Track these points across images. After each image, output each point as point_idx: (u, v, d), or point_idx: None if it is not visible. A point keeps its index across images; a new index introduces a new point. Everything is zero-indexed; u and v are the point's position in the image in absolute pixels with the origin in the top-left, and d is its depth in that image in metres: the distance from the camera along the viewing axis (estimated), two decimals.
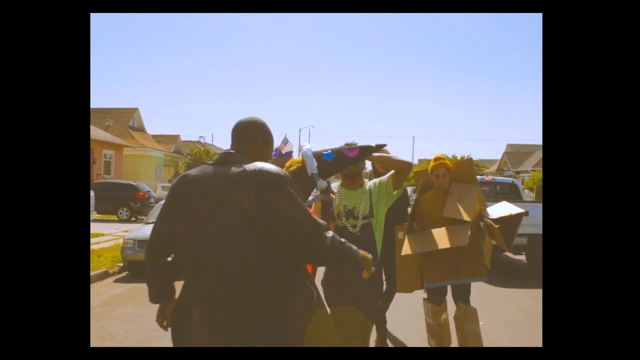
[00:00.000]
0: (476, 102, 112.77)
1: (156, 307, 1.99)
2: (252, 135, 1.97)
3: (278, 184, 1.80)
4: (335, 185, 3.08)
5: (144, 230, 8.07)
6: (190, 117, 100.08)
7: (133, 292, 6.57)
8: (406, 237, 3.56)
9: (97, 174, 23.43)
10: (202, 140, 49.15)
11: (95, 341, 4.35)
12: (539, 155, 37.75)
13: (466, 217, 3.41)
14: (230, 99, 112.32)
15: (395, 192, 3.01)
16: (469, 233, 3.35)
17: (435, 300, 3.77)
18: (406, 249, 3.47)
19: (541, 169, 32.60)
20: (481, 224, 3.55)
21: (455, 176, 3.72)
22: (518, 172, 39.12)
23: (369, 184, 3.09)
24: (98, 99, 61.29)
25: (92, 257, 8.08)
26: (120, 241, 9.03)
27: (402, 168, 2.98)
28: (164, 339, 3.99)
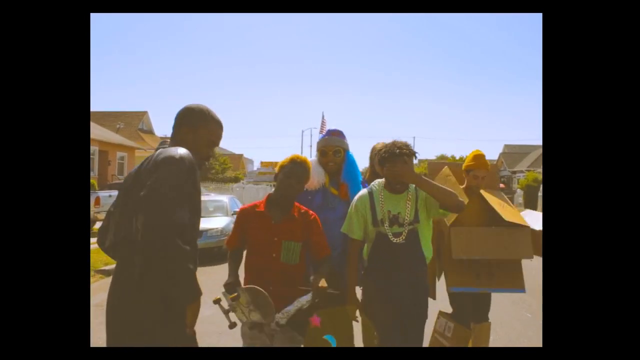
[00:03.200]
0: (476, 102, 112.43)
1: None
2: (178, 122, 1.94)
3: (165, 162, 1.69)
4: (376, 182, 2.72)
5: None
6: None
7: None
8: (452, 233, 3.00)
9: (112, 175, 23.72)
10: None
11: None
12: (534, 155, 37.79)
13: (524, 222, 2.99)
14: (231, 99, 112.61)
15: (441, 211, 2.58)
16: (532, 244, 2.93)
17: (462, 319, 3.13)
18: (458, 250, 2.92)
19: (536, 169, 32.65)
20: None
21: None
22: (514, 172, 39.16)
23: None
24: (99, 100, 61.06)
25: None
26: None
27: (449, 206, 2.51)
28: None
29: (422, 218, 2.62)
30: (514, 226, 2.98)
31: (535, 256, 3.06)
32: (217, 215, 10.34)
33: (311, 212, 2.59)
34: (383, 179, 2.68)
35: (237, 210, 2.75)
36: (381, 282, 2.58)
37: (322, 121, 2.86)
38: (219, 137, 1.98)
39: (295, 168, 2.50)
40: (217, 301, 2.24)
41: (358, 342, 3.31)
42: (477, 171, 3.17)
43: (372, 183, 2.72)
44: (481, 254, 2.94)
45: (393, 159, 2.53)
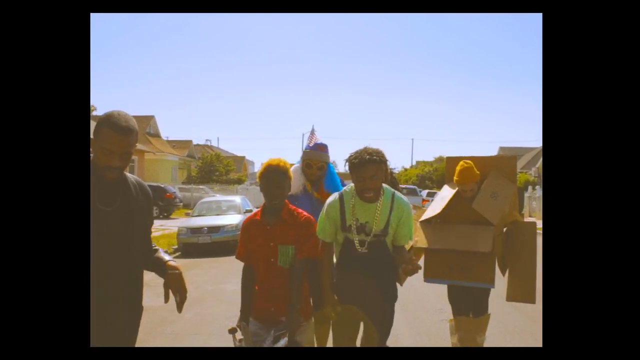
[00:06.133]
0: (475, 104, 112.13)
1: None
2: None
3: None
4: (348, 187, 2.63)
5: (192, 221, 11.15)
6: (193, 120, 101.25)
7: (185, 266, 8.65)
8: (421, 228, 3.16)
9: None
10: (209, 144, 50.88)
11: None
12: (527, 157, 39.13)
13: (492, 219, 3.02)
14: (231, 100, 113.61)
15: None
16: (492, 240, 3.00)
17: (461, 311, 3.29)
18: (422, 241, 3.09)
19: (528, 170, 33.96)
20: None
21: (497, 168, 3.27)
22: None
23: (393, 195, 2.54)
24: (101, 104, 61.01)
25: None
26: (158, 233, 12.78)
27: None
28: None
29: (391, 233, 2.53)
30: (479, 224, 3.09)
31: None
32: (231, 213, 11.70)
33: (305, 213, 2.55)
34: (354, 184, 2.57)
35: (248, 209, 3.24)
36: (346, 284, 2.57)
37: (312, 134, 3.20)
38: (113, 142, 1.72)
39: (271, 175, 2.46)
40: (232, 331, 2.42)
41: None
42: (463, 186, 3.16)
43: (344, 187, 2.66)
44: (445, 245, 3.07)
45: (363, 164, 2.41)
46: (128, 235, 1.85)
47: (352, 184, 2.58)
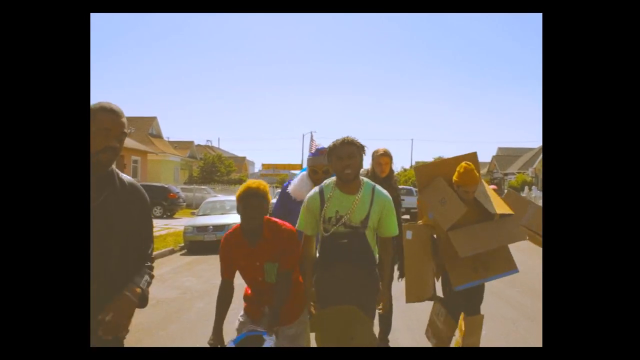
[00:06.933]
0: (475, 104, 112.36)
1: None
2: None
3: None
4: (328, 180, 2.63)
5: (198, 220, 11.59)
6: (193, 120, 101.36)
7: (193, 262, 9.67)
8: (451, 237, 3.10)
9: None
10: (210, 144, 51.33)
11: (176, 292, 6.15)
12: (526, 157, 39.54)
13: (510, 211, 3.18)
14: (231, 101, 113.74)
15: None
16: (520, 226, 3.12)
17: (452, 312, 3.35)
18: (463, 249, 3.03)
19: (525, 171, 34.38)
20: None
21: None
22: (506, 174, 40.78)
23: (374, 188, 2.56)
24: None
25: (158, 241, 11.32)
26: (164, 232, 13.57)
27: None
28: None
29: (371, 226, 2.52)
30: (501, 217, 3.15)
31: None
32: (235, 213, 12.17)
33: (286, 225, 2.54)
34: (335, 177, 2.59)
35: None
36: (325, 276, 2.55)
37: (312, 141, 3.38)
38: (109, 121, 1.74)
39: (250, 200, 2.42)
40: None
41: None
42: (466, 187, 3.13)
43: (325, 181, 2.66)
44: (483, 247, 3.06)
45: (342, 144, 2.50)
46: (107, 234, 1.77)
47: (331, 178, 2.62)
